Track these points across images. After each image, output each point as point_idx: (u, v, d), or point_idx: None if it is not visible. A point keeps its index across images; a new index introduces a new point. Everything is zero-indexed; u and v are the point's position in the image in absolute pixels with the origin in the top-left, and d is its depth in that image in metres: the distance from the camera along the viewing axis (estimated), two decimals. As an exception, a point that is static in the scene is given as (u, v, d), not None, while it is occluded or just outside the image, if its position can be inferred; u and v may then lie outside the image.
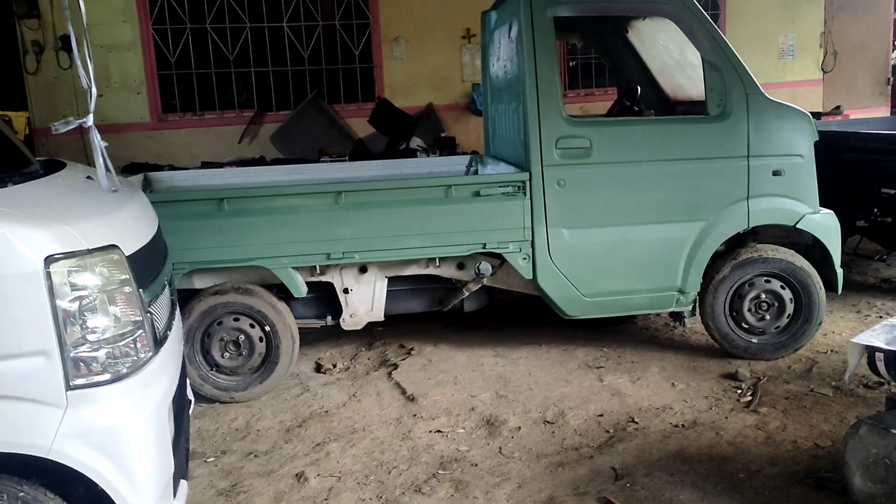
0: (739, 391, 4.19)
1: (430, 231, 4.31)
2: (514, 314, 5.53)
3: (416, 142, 8.40)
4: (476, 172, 5.56)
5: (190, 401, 3.30)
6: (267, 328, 4.30)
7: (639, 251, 4.45)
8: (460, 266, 4.55)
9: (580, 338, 5.04)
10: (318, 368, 4.86)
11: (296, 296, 4.33)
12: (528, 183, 4.34)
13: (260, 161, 8.26)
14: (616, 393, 4.23)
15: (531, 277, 4.44)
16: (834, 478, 3.16)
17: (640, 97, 5.16)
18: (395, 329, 5.31)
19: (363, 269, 4.49)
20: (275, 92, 9.11)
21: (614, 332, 5.17)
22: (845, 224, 5.96)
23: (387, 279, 4.56)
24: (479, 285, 4.58)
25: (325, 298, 4.58)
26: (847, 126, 6.98)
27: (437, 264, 4.51)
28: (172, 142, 8.64)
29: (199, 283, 4.34)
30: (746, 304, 4.53)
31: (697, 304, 4.61)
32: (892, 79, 11.63)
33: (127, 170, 7.85)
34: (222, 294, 4.25)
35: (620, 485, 3.28)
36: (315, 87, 9.16)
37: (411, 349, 5.04)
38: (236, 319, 4.28)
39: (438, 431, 3.88)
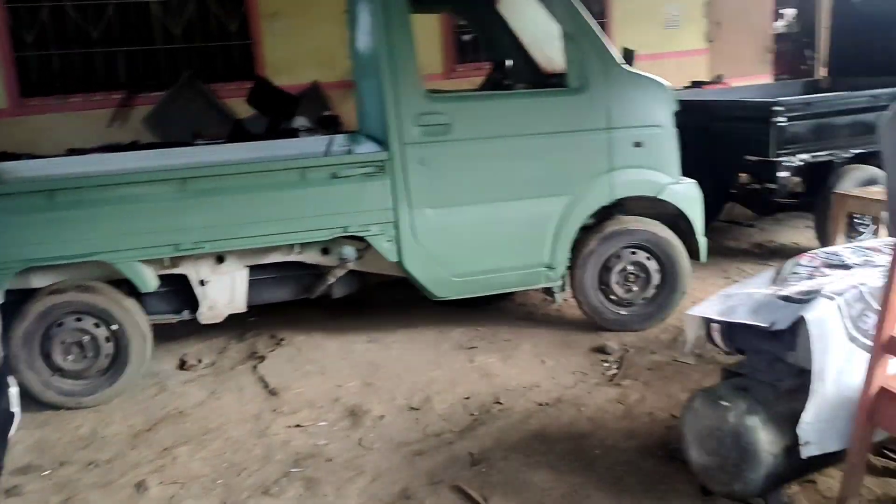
0: (606, 364, 4.18)
1: (286, 216, 4.12)
2: (393, 297, 5.38)
3: (299, 121, 8.12)
4: (350, 152, 5.37)
5: (13, 413, 3.04)
6: (114, 327, 4.03)
7: (505, 228, 4.37)
8: (325, 251, 4.37)
9: (457, 318, 4.94)
10: (182, 365, 4.61)
11: (143, 291, 4.07)
12: (388, 162, 4.19)
13: (132, 146, 7.82)
14: (486, 374, 4.16)
15: (397, 260, 4.30)
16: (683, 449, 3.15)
17: (513, 71, 5.06)
18: (269, 318, 5.10)
19: (220, 259, 4.26)
20: (146, 72, 8.63)
21: (492, 309, 5.10)
22: (719, 192, 6.09)
23: (247, 268, 4.34)
24: (345, 270, 4.42)
25: (182, 291, 4.33)
26: (713, 95, 7.10)
27: (300, 251, 4.33)
28: (36, 128, 8.08)
29: (37, 281, 4.02)
30: (614, 277, 4.52)
31: (568, 279, 4.58)
32: (773, 46, 11.96)
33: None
34: (61, 293, 3.95)
35: (476, 470, 3.20)
36: (190, 66, 8.73)
37: (282, 339, 4.85)
38: (78, 319, 3.99)
39: (298, 426, 3.72)
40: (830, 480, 2.86)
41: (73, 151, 7.59)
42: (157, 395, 4.17)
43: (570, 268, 4.54)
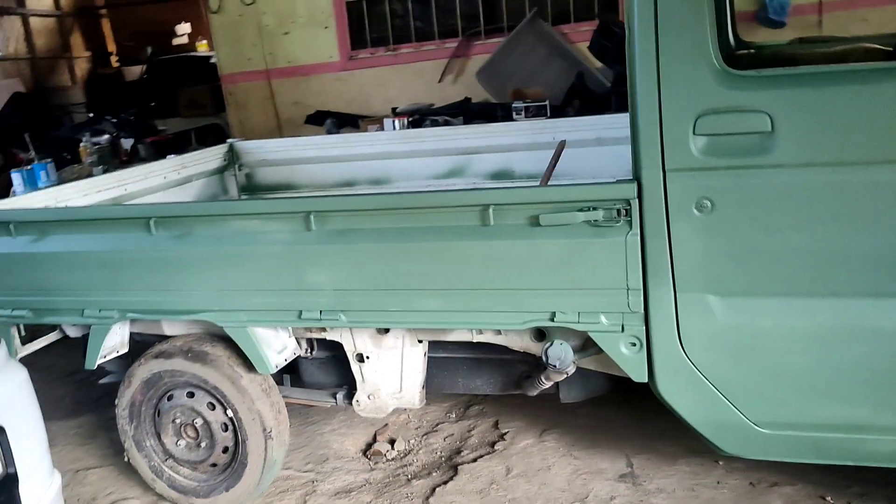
0: None
1: (450, 285, 2.43)
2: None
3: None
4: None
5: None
6: (230, 413, 2.86)
7: (875, 349, 2.06)
8: (540, 335, 2.59)
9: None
10: (367, 448, 3.34)
11: (260, 371, 2.80)
12: (635, 203, 2.18)
13: (461, 106, 6.62)
14: None
15: (644, 379, 2.33)
16: None
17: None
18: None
19: (384, 329, 2.79)
20: (484, 15, 7.26)
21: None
22: None
23: (422, 343, 2.79)
24: (562, 377, 2.58)
25: (339, 361, 2.98)
26: None
27: (497, 332, 2.63)
28: (364, 83, 7.36)
29: (169, 329, 3.05)
30: None
31: None
32: None
33: (312, 120, 6.84)
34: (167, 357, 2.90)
35: None
36: (535, 3, 7.12)
37: (504, 435, 3.27)
38: (190, 395, 2.91)
39: None
40: None
41: (397, 114, 6.69)
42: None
43: None
